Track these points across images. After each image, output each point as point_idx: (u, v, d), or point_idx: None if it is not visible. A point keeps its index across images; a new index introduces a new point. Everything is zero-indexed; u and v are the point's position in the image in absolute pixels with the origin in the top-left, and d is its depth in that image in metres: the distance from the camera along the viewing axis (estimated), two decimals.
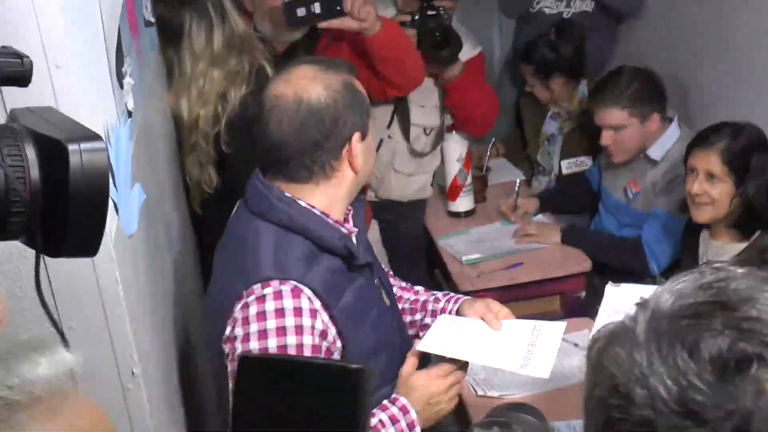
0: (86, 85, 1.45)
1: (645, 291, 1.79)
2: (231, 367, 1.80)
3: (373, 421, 1.86)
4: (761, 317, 0.79)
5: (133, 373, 1.47)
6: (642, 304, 0.88)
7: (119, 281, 1.43)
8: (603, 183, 3.47)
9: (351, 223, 2.00)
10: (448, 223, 3.60)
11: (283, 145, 1.84)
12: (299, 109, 1.83)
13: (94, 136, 0.96)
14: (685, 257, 2.90)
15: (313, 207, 1.87)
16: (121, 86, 1.76)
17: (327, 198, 1.90)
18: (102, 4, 1.66)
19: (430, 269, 3.74)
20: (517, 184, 3.64)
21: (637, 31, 3.94)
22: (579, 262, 3.27)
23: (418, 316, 2.20)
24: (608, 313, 1.76)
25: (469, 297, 2.20)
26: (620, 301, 1.77)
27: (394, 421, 1.87)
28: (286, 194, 1.87)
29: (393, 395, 1.92)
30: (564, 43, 3.63)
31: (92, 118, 1.46)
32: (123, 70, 1.81)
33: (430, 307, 2.20)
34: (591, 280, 3.26)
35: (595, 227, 3.50)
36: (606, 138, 3.21)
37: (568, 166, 3.73)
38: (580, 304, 3.24)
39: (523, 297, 3.21)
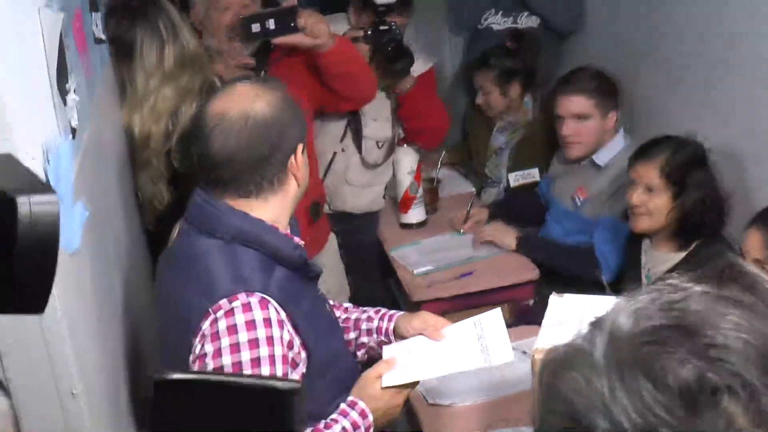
0: (22, 102, 1.38)
1: (589, 301, 1.77)
2: None
3: (337, 428, 1.83)
4: (728, 344, 0.73)
5: (72, 393, 1.39)
6: (597, 324, 0.81)
7: (57, 299, 1.35)
8: (551, 191, 3.44)
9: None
10: (400, 234, 3.56)
11: (231, 161, 1.80)
12: (246, 125, 1.79)
13: (45, 188, 0.90)
14: (628, 266, 2.89)
15: (263, 220, 1.83)
16: (65, 103, 1.69)
17: (274, 211, 1.86)
18: (43, 21, 1.59)
19: (384, 278, 3.69)
20: (472, 198, 3.65)
21: (580, 47, 3.93)
22: (528, 270, 3.24)
23: (352, 335, 2.15)
24: (552, 323, 1.71)
25: (402, 312, 2.16)
26: (564, 312, 1.73)
27: (355, 427, 1.84)
28: (236, 209, 1.82)
29: (351, 398, 1.88)
30: (524, 50, 3.70)
31: (29, 136, 1.39)
32: (67, 86, 1.73)
33: (363, 326, 2.15)
34: (539, 288, 3.22)
35: (543, 235, 3.46)
36: (568, 128, 3.20)
37: (515, 179, 3.71)
38: (529, 312, 3.20)
39: (473, 305, 3.15)
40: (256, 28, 2.72)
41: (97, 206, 1.97)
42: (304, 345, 1.79)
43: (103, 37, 2.50)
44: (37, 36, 1.57)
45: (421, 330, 2.02)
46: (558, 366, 0.81)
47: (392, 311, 2.16)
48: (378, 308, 2.19)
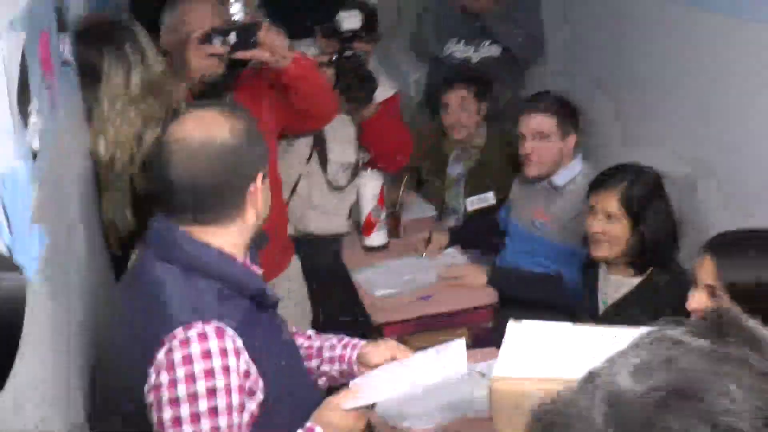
0: None
1: (547, 328, 1.72)
2: (156, 415, 1.64)
3: None
4: (738, 410, 0.66)
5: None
6: (593, 380, 0.73)
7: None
8: (510, 215, 3.41)
9: (249, 262, 1.87)
10: (363, 256, 3.52)
11: (189, 187, 1.72)
12: (205, 150, 1.71)
13: (12, 267, 0.82)
14: (585, 292, 2.85)
15: (221, 249, 1.74)
16: (26, 125, 1.60)
17: (232, 240, 1.78)
18: (5, 42, 1.51)
19: (348, 301, 3.61)
20: (432, 223, 3.67)
21: (539, 76, 3.92)
22: (487, 294, 3.21)
23: (314, 363, 2.07)
24: (511, 349, 1.64)
25: (367, 342, 2.08)
26: (523, 338, 1.66)
27: None
28: (194, 238, 1.74)
29: (309, 424, 1.80)
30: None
31: None
32: (29, 109, 1.64)
33: (326, 354, 2.07)
34: (498, 311, 3.19)
35: (502, 258, 3.43)
36: (529, 146, 3.15)
37: (472, 203, 3.70)
38: (487, 335, 3.14)
39: (433, 328, 3.16)
40: (217, 42, 2.67)
41: (58, 231, 1.88)
42: (261, 373, 1.70)
43: (70, 59, 2.42)
44: None
45: (389, 355, 1.96)
46: (549, 424, 0.74)
47: (355, 340, 2.08)
48: (341, 336, 2.11)
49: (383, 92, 3.35)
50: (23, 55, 1.64)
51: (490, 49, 3.95)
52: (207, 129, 1.74)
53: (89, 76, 2.50)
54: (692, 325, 0.76)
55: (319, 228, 3.46)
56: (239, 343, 1.66)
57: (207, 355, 1.62)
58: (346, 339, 2.09)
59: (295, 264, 3.17)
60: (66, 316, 1.81)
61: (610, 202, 2.59)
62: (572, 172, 3.18)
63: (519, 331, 1.70)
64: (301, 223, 3.43)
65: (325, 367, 2.06)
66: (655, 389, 0.68)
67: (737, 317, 0.77)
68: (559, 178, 3.19)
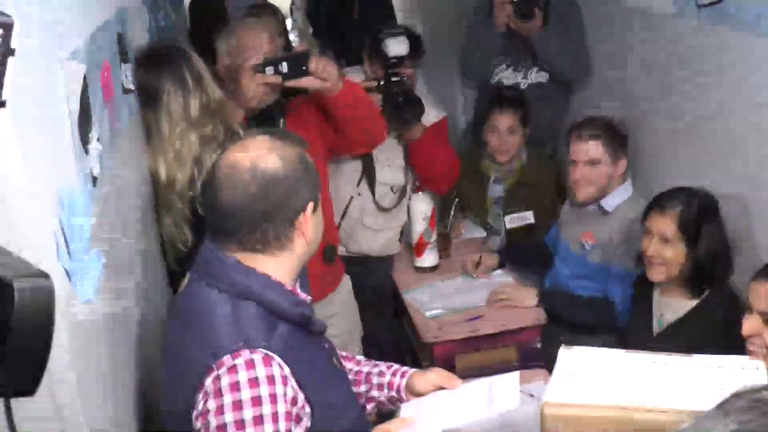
0: (37, 150, 1.30)
1: (597, 354, 1.66)
2: None
3: None
4: None
5: None
6: None
7: (65, 348, 1.25)
8: (560, 237, 3.34)
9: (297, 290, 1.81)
10: (414, 277, 3.47)
11: (237, 213, 1.68)
12: (254, 177, 1.67)
13: (41, 274, 0.82)
14: (637, 312, 2.78)
15: (268, 276, 1.70)
16: (87, 152, 1.60)
17: (281, 267, 1.73)
18: (66, 72, 1.51)
19: (397, 319, 3.58)
20: (483, 243, 3.62)
21: (587, 100, 3.85)
22: (535, 314, 3.13)
23: (363, 388, 2.02)
24: (562, 375, 1.59)
25: (416, 369, 2.02)
26: (574, 364, 1.61)
27: None
28: (241, 264, 1.70)
29: None
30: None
31: (42, 183, 1.30)
32: (89, 136, 1.65)
33: (375, 380, 2.01)
34: (545, 331, 3.12)
35: (550, 278, 3.36)
36: (579, 172, 3.08)
37: (510, 221, 3.65)
38: (535, 354, 3.10)
39: (482, 347, 3.10)
40: (269, 71, 2.67)
41: (117, 253, 1.87)
42: (308, 399, 1.66)
43: (131, 87, 2.43)
44: (59, 87, 1.49)
45: (438, 383, 1.90)
46: None
47: (405, 368, 2.02)
48: (390, 363, 2.06)
49: (431, 116, 3.30)
50: (85, 84, 1.65)
51: (538, 76, 3.88)
52: (258, 157, 1.70)
53: (149, 101, 2.52)
54: None
55: (371, 248, 3.44)
56: (286, 370, 1.62)
57: (254, 383, 1.57)
58: (395, 366, 2.04)
59: (345, 283, 3.15)
60: (125, 334, 1.81)
61: (667, 225, 2.53)
62: (622, 197, 3.11)
63: (570, 357, 1.65)
64: (352, 243, 3.40)
65: (374, 393, 2.00)
66: None
67: None
68: (609, 203, 3.11)
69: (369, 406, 2.02)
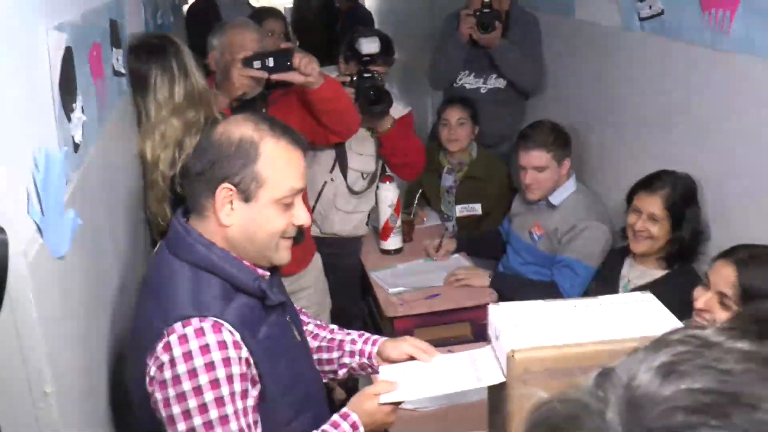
0: (15, 110, 1.19)
1: (524, 306, 1.58)
2: (165, 413, 1.46)
3: None
4: None
5: (45, 392, 1.17)
6: (607, 378, 0.54)
7: (33, 302, 1.13)
8: (512, 228, 3.28)
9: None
10: (379, 258, 3.38)
11: (187, 170, 1.60)
12: (209, 139, 1.57)
13: None
14: (604, 278, 2.73)
15: (229, 251, 1.57)
16: (69, 119, 1.48)
17: (220, 237, 1.58)
18: (50, 41, 1.39)
19: (363, 296, 3.50)
20: (443, 231, 3.51)
21: (540, 105, 3.79)
22: (487, 295, 3.04)
23: (335, 354, 1.90)
24: (509, 327, 1.48)
25: (386, 338, 1.89)
26: (509, 317, 1.51)
27: None
28: (203, 237, 1.57)
29: (345, 410, 1.64)
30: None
31: (17, 142, 1.19)
32: (73, 105, 1.53)
33: (347, 347, 1.89)
34: None
35: (503, 264, 3.30)
36: (530, 177, 3.04)
37: (461, 210, 3.61)
38: (487, 330, 2.99)
39: (439, 323, 3.00)
40: (257, 65, 2.60)
41: (99, 218, 1.76)
42: (258, 369, 1.53)
43: (122, 71, 2.32)
44: (44, 55, 1.38)
45: (411, 353, 1.76)
46: (555, 428, 0.55)
47: (375, 336, 1.91)
48: (362, 332, 1.94)
49: (399, 110, 3.22)
50: (71, 58, 1.54)
51: (496, 82, 3.82)
52: (224, 125, 1.59)
53: (139, 86, 2.43)
54: (725, 326, 0.57)
55: (343, 229, 3.34)
56: (237, 337, 1.50)
57: (206, 349, 1.45)
58: (367, 335, 1.92)
59: (316, 261, 3.07)
60: (99, 296, 1.69)
61: (655, 204, 2.47)
62: (567, 192, 3.06)
63: (502, 312, 1.55)
64: (326, 223, 3.31)
65: (346, 359, 1.89)
66: (687, 390, 0.50)
67: None
68: (555, 198, 3.06)
69: (341, 372, 1.90)
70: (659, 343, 0.55)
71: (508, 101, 3.83)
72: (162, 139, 2.37)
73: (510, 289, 3.03)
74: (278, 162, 1.55)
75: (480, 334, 2.97)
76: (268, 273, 1.65)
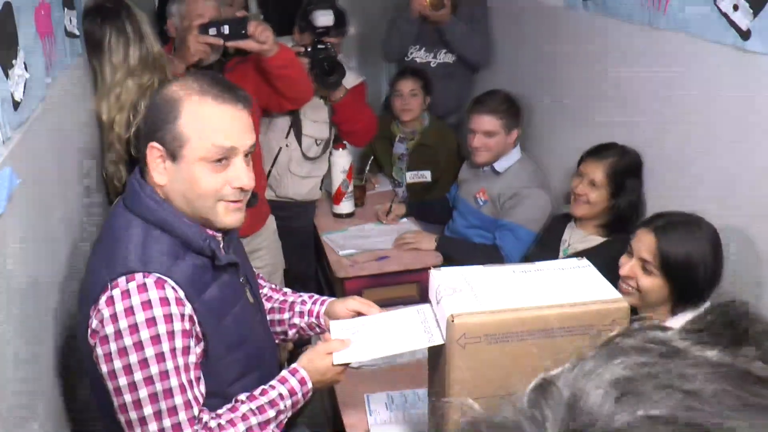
0: None
1: (463, 271, 1.50)
2: (107, 368, 1.35)
3: (273, 393, 1.49)
4: None
5: None
6: (545, 392, 0.42)
7: None
8: (459, 193, 3.21)
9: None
10: (332, 221, 3.28)
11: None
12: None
13: None
14: (547, 241, 2.66)
15: (178, 210, 1.46)
16: (6, 76, 1.34)
17: (164, 189, 1.46)
18: None
19: (316, 258, 3.39)
20: (393, 196, 3.39)
21: (487, 79, 3.70)
22: (433, 257, 2.97)
23: (286, 315, 1.82)
24: (449, 293, 1.40)
25: (333, 298, 1.81)
26: (449, 282, 1.43)
27: (292, 393, 1.51)
28: (157, 194, 1.45)
29: (294, 366, 1.54)
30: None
31: None
32: (13, 61, 1.39)
33: (297, 308, 1.81)
34: None
35: (450, 228, 3.23)
36: (478, 141, 2.96)
37: (411, 177, 3.51)
38: None
39: (387, 284, 2.92)
40: (212, 32, 2.46)
41: (46, 178, 1.62)
42: (201, 327, 1.43)
43: (76, 32, 2.16)
44: None
45: (357, 308, 1.68)
46: None
47: (324, 297, 1.82)
48: (312, 294, 1.85)
49: (351, 80, 3.13)
50: (9, 12, 1.39)
51: (446, 57, 3.73)
52: (171, 83, 1.47)
53: (95, 49, 2.28)
54: (691, 326, 0.45)
55: (297, 193, 3.22)
56: (181, 293, 1.39)
57: (148, 305, 1.35)
58: (317, 296, 1.84)
59: (270, 223, 2.96)
60: (43, 256, 1.56)
61: (597, 171, 2.40)
62: (511, 160, 3.00)
63: (443, 277, 1.46)
64: (281, 188, 3.19)
65: (296, 320, 1.80)
66: (648, 421, 0.37)
67: (752, 314, 0.46)
68: (500, 165, 2.99)
69: (291, 332, 1.82)
70: (612, 349, 0.42)
71: (456, 75, 3.74)
72: (117, 101, 2.23)
73: (455, 251, 2.97)
74: (200, 120, 1.41)
75: (426, 296, 2.86)
76: (220, 234, 1.53)
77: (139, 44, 2.26)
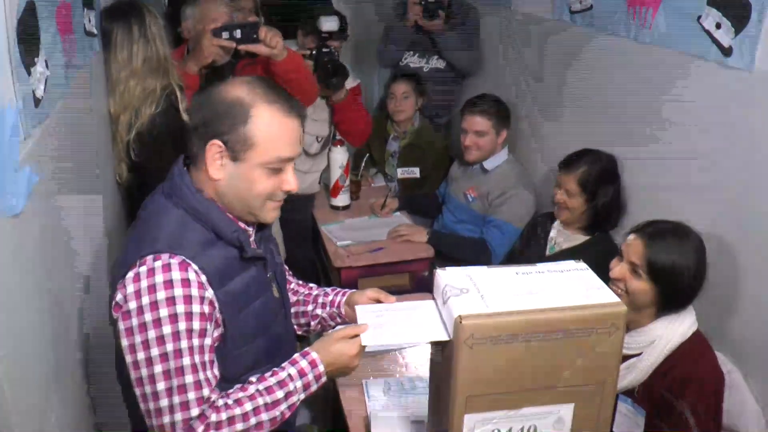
0: None
1: (471, 272, 1.42)
2: (127, 342, 1.28)
3: (282, 374, 1.39)
4: None
5: None
6: None
7: None
8: (448, 190, 3.13)
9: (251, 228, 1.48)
10: (329, 213, 3.18)
11: (189, 120, 1.40)
12: (205, 94, 1.38)
13: None
14: (535, 240, 2.60)
15: (215, 201, 1.39)
16: (29, 73, 1.23)
17: (210, 189, 1.39)
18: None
19: (314, 247, 3.30)
20: (387, 191, 3.30)
21: (476, 84, 3.61)
22: (425, 249, 2.89)
23: (309, 307, 1.75)
24: (456, 293, 1.30)
25: (355, 290, 1.73)
26: (455, 282, 1.34)
27: (302, 374, 1.40)
28: (194, 184, 1.39)
29: (306, 349, 1.45)
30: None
31: None
32: (35, 59, 1.28)
33: (320, 300, 1.74)
34: (433, 263, 2.89)
35: (438, 222, 3.16)
36: (470, 140, 2.89)
37: (402, 173, 3.42)
38: (424, 281, 2.86)
39: (381, 273, 2.83)
40: (225, 35, 2.37)
41: (64, 175, 1.50)
42: (222, 314, 1.35)
43: (94, 31, 2.03)
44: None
45: (376, 297, 1.61)
46: None
47: (346, 290, 1.75)
48: (335, 287, 1.78)
49: (349, 82, 3.04)
50: (34, 12, 1.28)
51: (437, 62, 3.65)
52: (223, 85, 1.39)
53: (106, 46, 2.17)
54: None
55: (299, 187, 3.09)
56: (203, 278, 1.31)
57: (169, 284, 1.27)
58: (339, 289, 1.76)
59: None
60: (60, 255, 1.44)
61: (571, 182, 2.36)
62: (499, 160, 2.93)
63: (449, 277, 1.37)
64: None
65: (318, 311, 1.73)
66: None
67: None
68: (489, 164, 2.93)
69: (313, 323, 1.74)
70: None
71: (446, 80, 3.66)
72: (121, 99, 2.12)
73: (445, 245, 2.91)
74: (268, 128, 1.35)
75: (418, 285, 2.86)
76: (251, 228, 1.46)
77: (144, 45, 2.14)
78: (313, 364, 1.42)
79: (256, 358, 1.44)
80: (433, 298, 1.41)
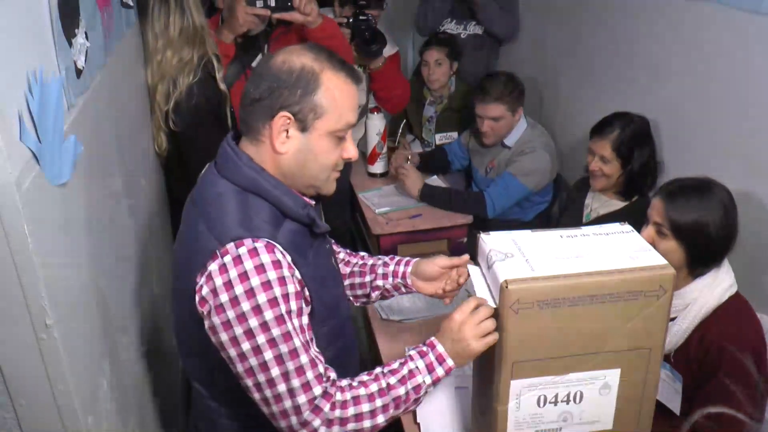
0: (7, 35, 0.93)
1: (515, 236, 1.38)
2: (227, 336, 1.21)
3: (411, 365, 1.31)
4: None
5: (46, 324, 0.95)
6: None
7: (27, 231, 0.91)
8: (472, 164, 3.07)
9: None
10: (367, 180, 3.14)
11: (245, 96, 1.29)
12: (269, 65, 1.27)
13: None
14: (571, 209, 2.53)
15: (277, 179, 1.30)
16: (70, 44, 1.22)
17: (271, 164, 1.31)
18: None
19: (352, 215, 3.28)
20: (409, 143, 3.30)
21: (514, 50, 3.52)
22: (463, 216, 2.84)
23: (367, 278, 1.64)
24: (501, 257, 1.27)
25: (419, 259, 1.62)
26: (500, 246, 1.31)
27: (430, 369, 1.32)
28: (253, 160, 1.30)
29: (430, 339, 1.35)
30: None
31: (10, 66, 0.94)
32: (76, 31, 1.27)
33: (379, 270, 1.63)
34: (471, 230, 2.85)
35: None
36: (486, 126, 2.81)
37: (440, 138, 3.36)
38: (462, 247, 2.84)
39: (420, 240, 2.81)
40: (260, 3, 2.34)
41: (106, 145, 1.51)
42: (308, 292, 1.29)
43: (130, 2, 2.02)
44: None
45: (450, 265, 1.53)
46: None
47: (406, 258, 1.64)
48: (392, 255, 1.67)
49: (388, 49, 2.97)
50: None
51: (475, 28, 3.56)
52: (284, 54, 1.29)
53: (142, 17, 2.15)
54: None
55: None
56: (289, 258, 1.25)
57: (261, 269, 1.19)
58: (398, 257, 1.64)
59: None
60: (107, 223, 1.45)
61: (605, 148, 2.27)
62: (519, 133, 2.85)
63: (493, 241, 1.34)
64: None
65: (379, 282, 1.63)
66: None
67: None
68: (509, 140, 2.85)
69: (374, 294, 1.65)
70: None
71: (484, 45, 3.57)
72: (158, 69, 2.10)
73: (438, 200, 2.84)
74: (337, 94, 1.27)
75: (455, 251, 2.82)
76: (314, 201, 1.38)
77: (181, 15, 2.11)
78: (440, 359, 1.33)
79: (331, 336, 1.38)
80: (477, 264, 1.38)
